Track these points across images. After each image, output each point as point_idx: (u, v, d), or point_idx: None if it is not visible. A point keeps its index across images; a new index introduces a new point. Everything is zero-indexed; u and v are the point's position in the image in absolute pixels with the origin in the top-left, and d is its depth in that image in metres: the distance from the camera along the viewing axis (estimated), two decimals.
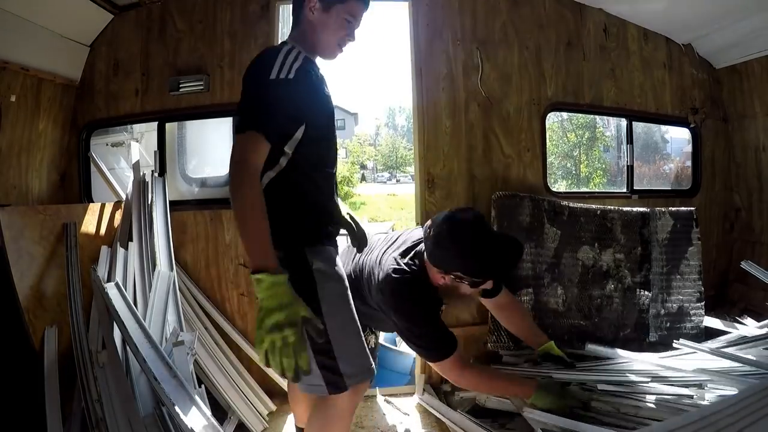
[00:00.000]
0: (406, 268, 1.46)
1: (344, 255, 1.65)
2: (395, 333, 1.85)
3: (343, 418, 1.22)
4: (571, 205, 2.22)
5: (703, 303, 2.25)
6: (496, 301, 1.78)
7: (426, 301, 1.47)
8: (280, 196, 1.12)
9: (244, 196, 0.96)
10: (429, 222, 1.49)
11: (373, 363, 1.25)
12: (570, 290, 2.17)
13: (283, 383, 2.10)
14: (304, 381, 1.07)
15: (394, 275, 1.44)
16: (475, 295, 1.53)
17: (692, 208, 2.33)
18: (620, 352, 1.86)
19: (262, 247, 0.94)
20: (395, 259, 1.50)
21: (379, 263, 1.52)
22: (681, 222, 2.29)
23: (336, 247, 1.30)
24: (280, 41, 1.65)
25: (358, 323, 1.24)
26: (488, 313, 2.09)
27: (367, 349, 1.24)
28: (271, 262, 0.93)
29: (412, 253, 1.54)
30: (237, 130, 1.04)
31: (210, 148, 2.67)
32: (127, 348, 1.54)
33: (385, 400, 2.20)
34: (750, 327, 2.12)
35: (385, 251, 1.57)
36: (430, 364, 1.52)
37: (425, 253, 1.48)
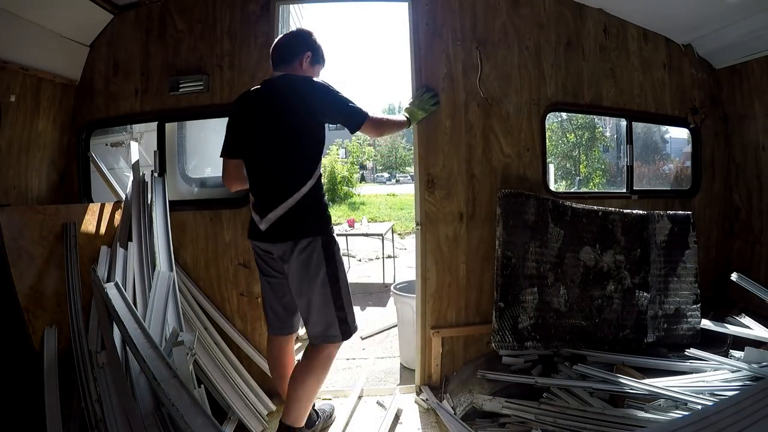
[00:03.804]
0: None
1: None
2: None
3: (333, 359, 1.69)
4: (573, 205, 2.22)
5: (699, 305, 2.25)
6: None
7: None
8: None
9: (387, 124, 1.86)
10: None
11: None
12: (572, 290, 2.17)
13: None
14: (325, 332, 1.59)
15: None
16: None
17: (689, 213, 2.34)
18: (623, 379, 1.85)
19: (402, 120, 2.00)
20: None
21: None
22: (678, 225, 2.30)
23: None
24: None
25: None
26: (491, 313, 2.09)
27: None
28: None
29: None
30: (364, 117, 1.68)
31: (210, 148, 2.67)
32: (127, 348, 1.54)
33: (377, 403, 2.19)
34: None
35: None
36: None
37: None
